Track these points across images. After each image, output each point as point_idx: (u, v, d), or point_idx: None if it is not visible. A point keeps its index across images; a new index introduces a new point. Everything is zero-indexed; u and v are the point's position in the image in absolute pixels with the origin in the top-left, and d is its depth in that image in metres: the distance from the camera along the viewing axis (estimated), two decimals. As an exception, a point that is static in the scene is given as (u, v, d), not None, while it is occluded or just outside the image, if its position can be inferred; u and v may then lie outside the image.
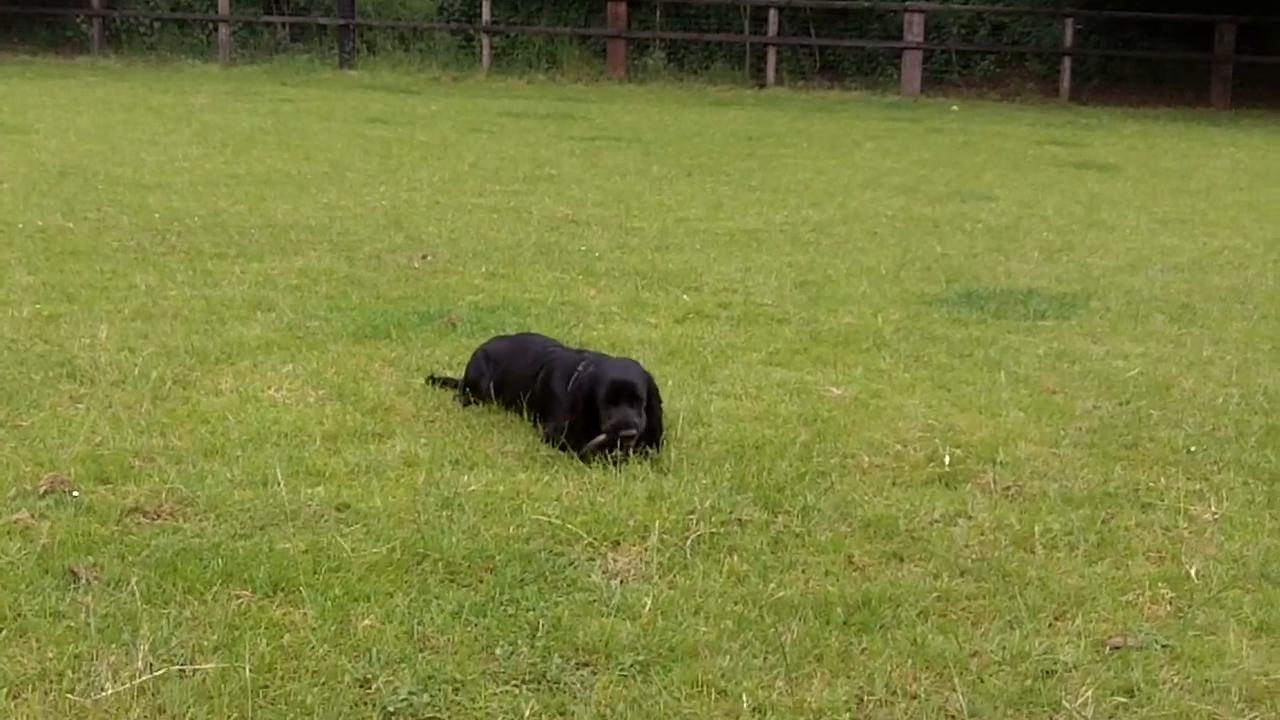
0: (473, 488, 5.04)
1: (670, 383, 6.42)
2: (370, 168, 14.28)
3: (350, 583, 4.23)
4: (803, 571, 4.47)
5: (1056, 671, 3.87)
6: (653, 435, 5.47)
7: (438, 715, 3.58)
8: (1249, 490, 5.34)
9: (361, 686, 3.68)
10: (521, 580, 4.30)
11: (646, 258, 9.76)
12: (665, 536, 4.66)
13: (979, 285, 9.19)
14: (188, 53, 29.35)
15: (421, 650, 3.86)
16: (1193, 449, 5.80)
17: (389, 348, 6.98)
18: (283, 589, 4.18)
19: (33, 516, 4.64)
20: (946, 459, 5.54)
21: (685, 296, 8.49)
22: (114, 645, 3.80)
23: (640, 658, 3.85)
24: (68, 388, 6.11)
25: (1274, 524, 5.01)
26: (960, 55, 29.17)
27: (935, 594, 4.31)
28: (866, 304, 8.45)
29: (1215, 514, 5.08)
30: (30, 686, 3.61)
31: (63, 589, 4.13)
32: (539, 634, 3.96)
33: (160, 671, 3.66)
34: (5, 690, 3.58)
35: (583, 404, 5.45)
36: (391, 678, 3.71)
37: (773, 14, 27.98)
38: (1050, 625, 4.16)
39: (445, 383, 6.35)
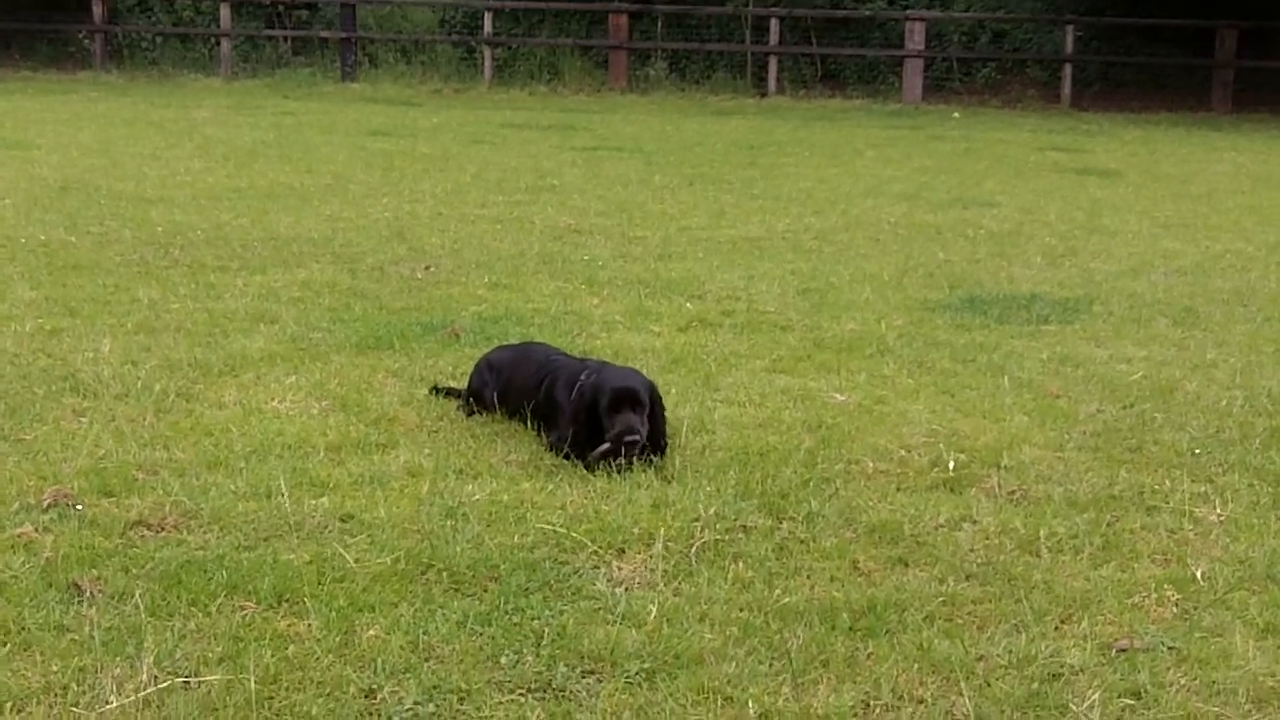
0: (477, 497, 5.03)
1: (674, 391, 6.42)
2: (373, 180, 14.29)
3: (355, 593, 4.23)
4: (808, 577, 4.46)
5: (1063, 675, 3.86)
6: (656, 443, 5.47)
7: (443, 724, 3.58)
8: (1254, 492, 5.34)
9: (367, 697, 3.67)
10: (526, 589, 4.29)
11: (649, 266, 9.76)
12: (670, 544, 4.65)
13: (982, 291, 9.18)
14: (190, 67, 29.40)
15: (426, 660, 3.86)
16: (1197, 451, 5.80)
17: (392, 359, 6.98)
18: (287, 600, 4.18)
19: (36, 530, 4.64)
20: (951, 464, 5.53)
21: (688, 305, 8.49)
22: (118, 658, 3.80)
23: (646, 665, 3.84)
24: (71, 401, 6.11)
25: (1279, 525, 5.00)
26: (961, 63, 29.20)
27: (941, 598, 4.30)
28: (870, 310, 8.45)
29: (1220, 516, 5.07)
30: (35, 700, 3.60)
31: (67, 602, 4.13)
32: (544, 642, 3.95)
33: (165, 684, 3.65)
34: (10, 704, 3.58)
35: (585, 414, 5.45)
36: (397, 688, 3.70)
37: (774, 24, 28.01)
38: (1056, 629, 4.15)
39: (449, 393, 6.35)
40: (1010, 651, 3.97)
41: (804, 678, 3.80)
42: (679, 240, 11.02)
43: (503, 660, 3.85)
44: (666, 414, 5.65)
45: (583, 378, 5.62)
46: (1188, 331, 8.12)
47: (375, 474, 5.28)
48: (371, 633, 3.99)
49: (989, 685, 3.79)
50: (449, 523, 4.79)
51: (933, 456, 5.64)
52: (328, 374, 6.65)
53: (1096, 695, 3.73)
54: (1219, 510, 5.12)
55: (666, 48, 29.02)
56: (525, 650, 3.91)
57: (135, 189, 12.96)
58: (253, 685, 3.64)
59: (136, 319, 7.67)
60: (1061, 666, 3.90)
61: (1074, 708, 3.69)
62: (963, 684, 3.77)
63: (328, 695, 3.66)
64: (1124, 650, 4.00)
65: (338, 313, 8.00)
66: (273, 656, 3.81)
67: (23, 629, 3.96)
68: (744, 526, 4.84)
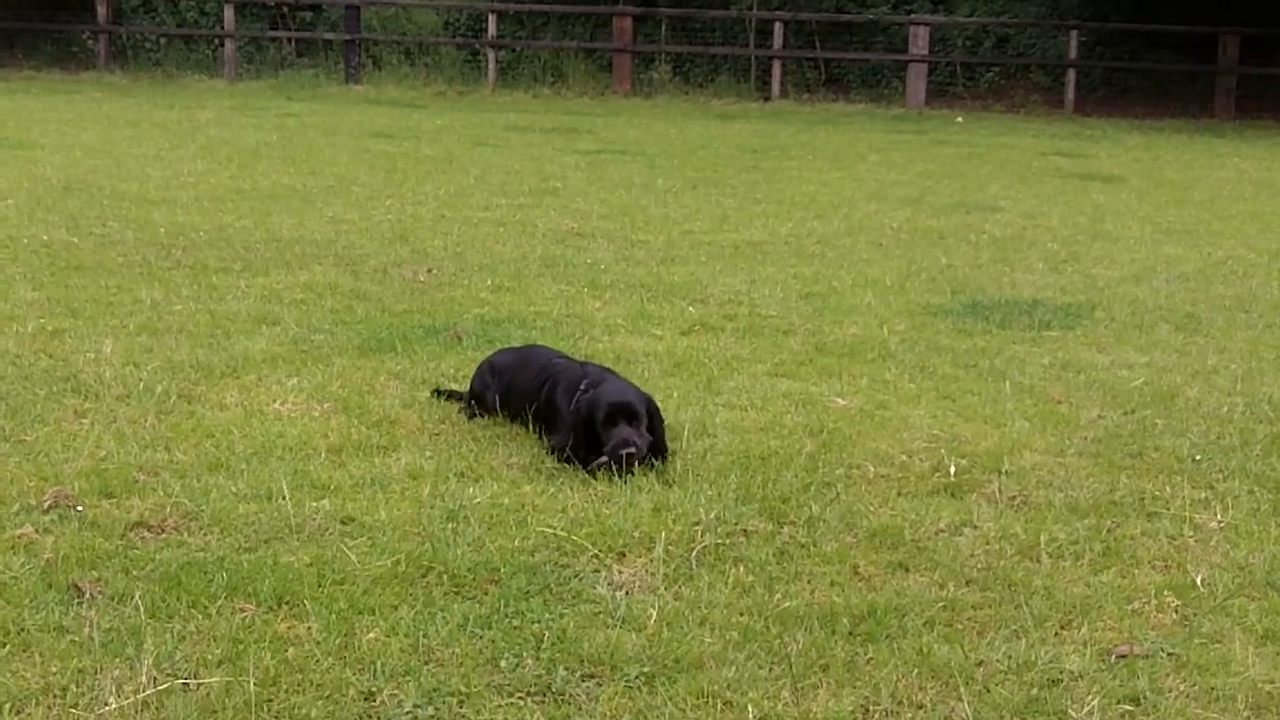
0: (478, 500, 5.03)
1: (675, 394, 6.42)
2: (376, 182, 14.30)
3: (355, 596, 4.23)
4: (808, 582, 4.46)
5: (1062, 680, 3.86)
6: (656, 453, 5.46)
7: (442, 727, 3.58)
8: (1254, 498, 5.34)
9: (366, 699, 3.67)
10: (527, 592, 4.29)
11: (652, 270, 9.76)
12: (670, 548, 4.65)
13: (984, 296, 9.18)
14: (193, 68, 29.43)
15: (426, 663, 3.86)
16: (1198, 458, 5.80)
17: (394, 361, 6.98)
18: (287, 602, 4.18)
19: (37, 531, 4.64)
20: (952, 469, 5.53)
21: (691, 308, 8.49)
22: (118, 660, 3.80)
23: (645, 669, 3.84)
24: (72, 402, 6.11)
25: (1279, 532, 5.01)
26: (965, 68, 29.21)
27: (941, 604, 4.30)
28: (872, 315, 8.45)
29: (1221, 522, 5.07)
30: (34, 701, 3.60)
31: (66, 604, 4.13)
32: (544, 646, 3.95)
33: (164, 686, 3.65)
34: (9, 705, 3.58)
35: (582, 429, 5.44)
36: (396, 690, 3.70)
37: (778, 27, 28.04)
38: (1056, 634, 4.15)
39: (450, 395, 6.35)
40: (1010, 657, 3.97)
41: (804, 682, 3.80)
42: (682, 244, 11.03)
43: (502, 663, 3.85)
44: (668, 419, 5.64)
45: (580, 388, 5.61)
46: (1189, 338, 8.12)
47: (376, 476, 5.28)
48: (371, 635, 3.99)
49: (988, 691, 3.79)
50: (450, 526, 4.79)
51: (934, 461, 5.64)
52: (329, 376, 6.65)
53: (1096, 701, 3.73)
54: (1219, 517, 5.12)
55: (670, 51, 29.04)
56: (525, 653, 3.91)
57: (138, 190, 12.97)
58: (252, 687, 3.64)
59: (138, 320, 7.67)
60: (1061, 672, 3.90)
61: (1073, 714, 3.69)
62: (962, 689, 3.77)
63: (327, 698, 3.66)
64: (1124, 656, 4.00)
65: (340, 315, 8.00)
66: (272, 659, 3.81)
67: (22, 630, 3.96)
68: (745, 531, 4.84)
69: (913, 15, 28.44)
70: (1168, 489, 5.40)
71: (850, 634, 4.08)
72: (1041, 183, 16.31)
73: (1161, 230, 12.66)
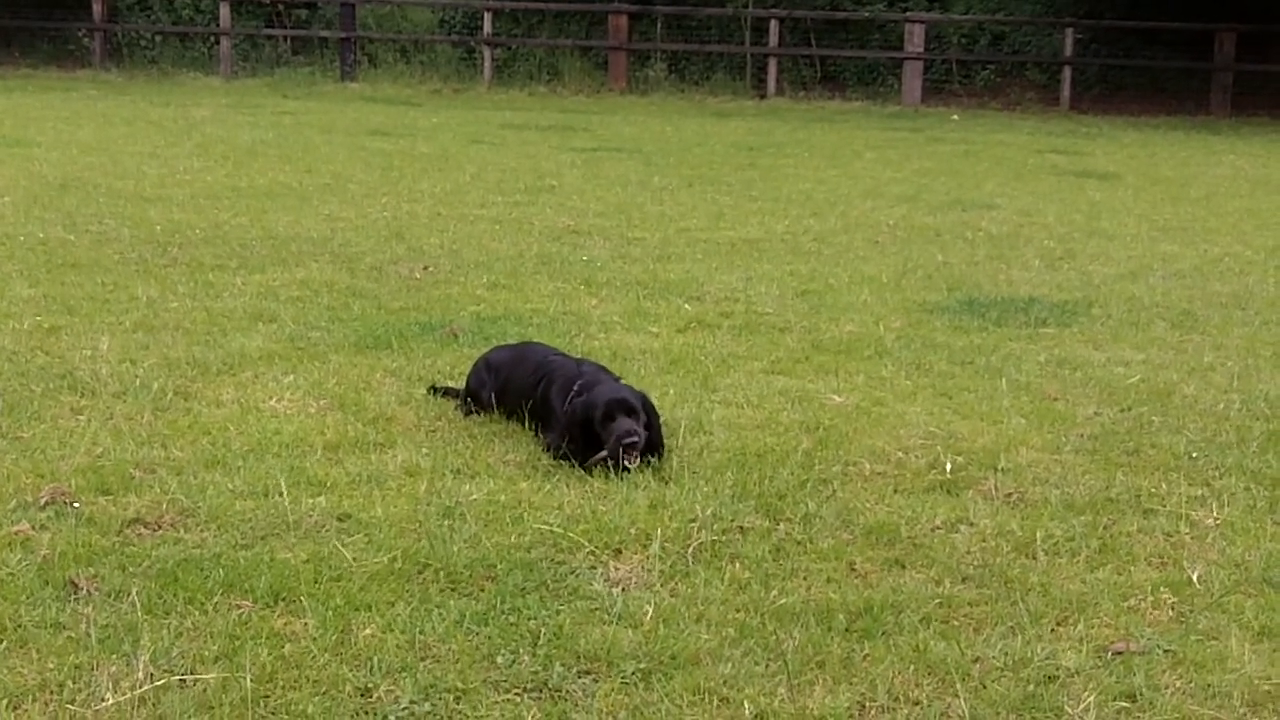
0: (474, 497, 5.03)
1: (672, 392, 6.43)
2: (371, 180, 14.30)
3: (351, 592, 4.23)
4: (804, 579, 4.47)
5: (1058, 677, 3.86)
6: (652, 450, 5.45)
7: (439, 724, 3.58)
8: (1250, 495, 5.34)
9: (363, 696, 3.67)
10: (523, 589, 4.30)
11: (648, 268, 9.76)
12: (667, 544, 4.66)
13: (980, 293, 9.18)
14: (189, 66, 29.42)
15: (423, 659, 3.86)
16: (1194, 455, 5.80)
17: (390, 358, 6.98)
18: (284, 599, 4.18)
19: (33, 528, 4.64)
20: (948, 466, 5.53)
21: (687, 306, 8.49)
22: (114, 656, 3.79)
23: (642, 665, 3.84)
24: (69, 399, 6.11)
25: (1275, 529, 5.00)
26: (961, 65, 29.22)
27: (937, 600, 4.30)
28: (868, 312, 8.45)
29: (1217, 519, 5.07)
30: (30, 697, 3.60)
31: (63, 600, 4.13)
32: (540, 642, 3.95)
33: (161, 682, 3.65)
34: (6, 701, 3.58)
35: (579, 430, 5.43)
36: (393, 687, 3.70)
37: (774, 25, 28.04)
38: (1052, 631, 4.15)
39: (447, 393, 6.35)
40: (1006, 654, 3.97)
41: (800, 679, 3.81)
42: (678, 241, 11.03)
43: (499, 660, 3.86)
44: (664, 416, 5.64)
45: (575, 389, 5.59)
46: (1185, 335, 8.12)
47: (373, 473, 5.28)
48: (368, 631, 3.99)
49: (984, 687, 3.79)
50: (446, 522, 4.79)
51: (930, 458, 5.64)
52: (326, 373, 6.65)
53: (1092, 698, 3.73)
54: (1215, 514, 5.12)
55: (666, 49, 29.04)
56: (522, 650, 3.91)
57: (134, 187, 12.96)
58: (249, 683, 3.64)
59: (135, 317, 7.67)
60: (1057, 669, 3.90)
61: (1069, 710, 3.69)
62: (958, 686, 3.77)
63: (324, 694, 3.66)
64: (1120, 653, 4.00)
65: (336, 312, 8.00)
66: (269, 655, 3.81)
67: (19, 626, 3.96)
68: (741, 527, 4.84)
69: (908, 13, 28.44)
70: (1164, 486, 5.40)
71: (846, 630, 4.08)
72: (1037, 180, 16.31)
73: (1158, 227, 12.67)
